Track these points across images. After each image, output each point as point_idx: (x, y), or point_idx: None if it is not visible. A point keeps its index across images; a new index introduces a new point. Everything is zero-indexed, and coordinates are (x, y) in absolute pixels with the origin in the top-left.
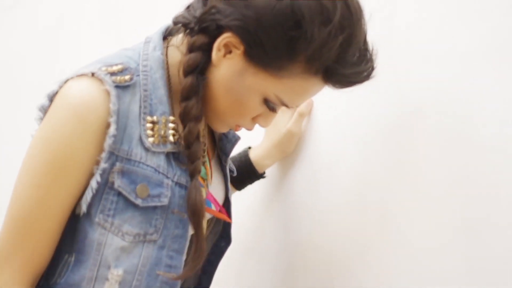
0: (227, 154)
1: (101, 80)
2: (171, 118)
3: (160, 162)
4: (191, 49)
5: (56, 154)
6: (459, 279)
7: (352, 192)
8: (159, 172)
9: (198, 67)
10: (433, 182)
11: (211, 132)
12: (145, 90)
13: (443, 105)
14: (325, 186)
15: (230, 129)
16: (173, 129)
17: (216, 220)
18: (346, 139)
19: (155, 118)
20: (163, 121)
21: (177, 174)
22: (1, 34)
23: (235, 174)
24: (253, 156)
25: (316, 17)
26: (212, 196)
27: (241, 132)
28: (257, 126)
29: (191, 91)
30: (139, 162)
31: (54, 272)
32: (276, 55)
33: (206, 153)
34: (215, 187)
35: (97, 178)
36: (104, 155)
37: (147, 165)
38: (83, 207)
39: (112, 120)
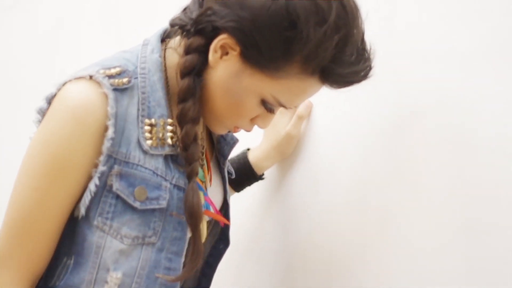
0: (225, 157)
1: (99, 83)
2: (169, 120)
3: (158, 164)
4: (187, 51)
5: (54, 156)
6: (459, 280)
7: (351, 193)
8: (157, 175)
9: (195, 69)
10: (433, 183)
11: (210, 135)
12: (143, 93)
13: (443, 106)
14: (324, 187)
15: (229, 131)
16: (171, 131)
17: (215, 222)
18: (345, 141)
19: (153, 120)
20: (161, 123)
21: (176, 177)
22: (1, 35)
23: (233, 176)
24: (252, 157)
25: (311, 17)
26: (209, 198)
27: (240, 134)
28: (256, 127)
29: (188, 93)
30: (137, 165)
31: (53, 275)
32: (272, 56)
33: (204, 155)
34: (213, 190)
35: (95, 181)
36: (102, 158)
37: (145, 168)
38: (82, 210)
39: (110, 123)
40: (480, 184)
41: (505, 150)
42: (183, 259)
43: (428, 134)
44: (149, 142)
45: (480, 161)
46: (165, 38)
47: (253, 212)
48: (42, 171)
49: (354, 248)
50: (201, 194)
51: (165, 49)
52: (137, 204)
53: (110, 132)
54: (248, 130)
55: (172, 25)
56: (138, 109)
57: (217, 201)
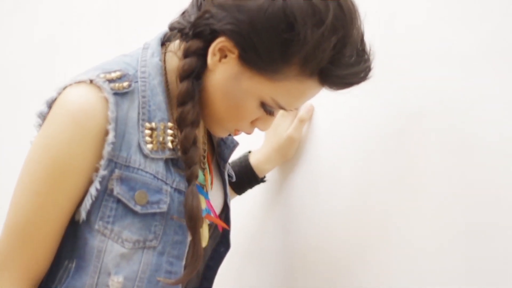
0: (226, 160)
1: (99, 87)
2: (170, 124)
3: (159, 168)
4: (186, 54)
5: (54, 160)
6: (459, 280)
7: (352, 195)
8: (158, 179)
9: (194, 72)
10: (433, 185)
11: (210, 138)
12: (144, 97)
13: (445, 108)
14: (325, 190)
15: (230, 134)
16: (172, 135)
17: (216, 226)
18: (346, 144)
19: (153, 124)
20: (162, 127)
21: (176, 180)
22: (1, 38)
23: (234, 179)
24: (253, 160)
25: (309, 19)
26: (209, 202)
27: (241, 136)
28: (256, 130)
29: (187, 96)
30: (138, 169)
31: (54, 278)
32: (270, 58)
33: (206, 159)
34: (214, 193)
35: (96, 185)
36: (103, 162)
37: (146, 172)
38: (83, 214)
39: (111, 127)
40: (481, 186)
41: (506, 151)
42: (183, 263)
43: (429, 136)
44: (149, 146)
45: (481, 162)
46: (165, 41)
47: (253, 215)
48: (43, 175)
49: (355, 250)
50: (202, 198)
51: (165, 53)
52: (138, 208)
53: (111, 136)
54: (248, 133)
55: (171, 28)
56: (139, 113)
57: (217, 204)
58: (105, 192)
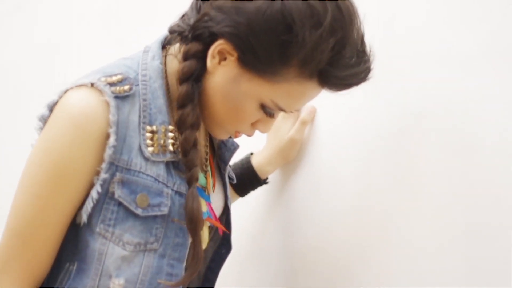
0: (226, 163)
1: (100, 91)
2: (170, 127)
3: (159, 171)
4: (185, 57)
5: (55, 163)
6: (459, 281)
7: (354, 196)
8: (159, 182)
9: (193, 74)
10: (435, 185)
11: (211, 141)
12: (144, 100)
13: (445, 109)
14: (326, 191)
15: (230, 136)
16: (172, 138)
17: (216, 228)
18: (348, 145)
19: (154, 127)
20: (163, 130)
21: (177, 183)
22: (1, 39)
23: (234, 181)
24: (255, 162)
25: (307, 21)
26: (209, 205)
27: (243, 138)
28: (258, 132)
29: (187, 98)
30: (139, 172)
31: (55, 281)
32: (269, 60)
33: (208, 161)
34: (214, 196)
35: (97, 188)
36: (104, 165)
37: (147, 175)
38: (84, 217)
39: (112, 131)
40: (481, 186)
41: (506, 152)
42: (184, 265)
43: (430, 137)
44: (150, 149)
45: (482, 163)
46: (165, 44)
47: (255, 216)
48: (43, 178)
49: (356, 251)
50: (203, 200)
51: (165, 56)
52: (139, 211)
53: (112, 140)
54: (249, 135)
55: (170, 32)
56: (140, 116)
57: (218, 206)
58: (106, 195)
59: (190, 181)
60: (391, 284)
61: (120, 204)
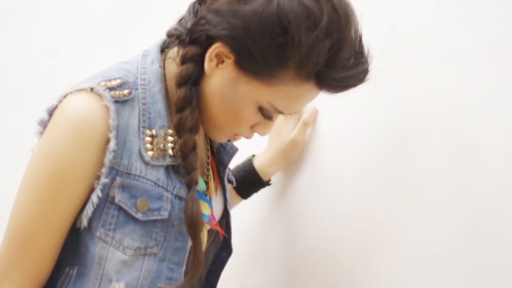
0: (225, 166)
1: (100, 95)
2: (170, 131)
3: (159, 175)
4: (183, 60)
5: (55, 168)
6: (462, 283)
7: (356, 198)
8: (158, 186)
9: (191, 78)
10: (437, 188)
11: (211, 144)
12: (144, 104)
13: (448, 111)
14: (328, 193)
15: (229, 139)
16: (172, 142)
17: (216, 231)
18: (350, 147)
19: (154, 131)
20: (162, 134)
21: (177, 187)
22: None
23: (234, 184)
24: (257, 164)
25: (303, 23)
26: (210, 208)
27: (245, 139)
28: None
29: (185, 102)
30: (139, 176)
31: (55, 285)
32: (266, 62)
33: (210, 165)
34: (214, 199)
35: (98, 193)
36: (104, 170)
37: (147, 179)
38: (84, 221)
39: (112, 135)
40: (484, 188)
41: (509, 153)
42: (184, 269)
43: (432, 139)
44: (150, 153)
45: (485, 165)
46: (164, 48)
47: (256, 219)
48: (44, 182)
49: (358, 253)
50: (205, 204)
51: (164, 60)
52: (139, 216)
53: (112, 144)
54: (248, 137)
55: (168, 35)
56: (139, 121)
57: (218, 210)
58: (106, 200)
59: (190, 184)
60: (392, 286)
61: (120, 208)
